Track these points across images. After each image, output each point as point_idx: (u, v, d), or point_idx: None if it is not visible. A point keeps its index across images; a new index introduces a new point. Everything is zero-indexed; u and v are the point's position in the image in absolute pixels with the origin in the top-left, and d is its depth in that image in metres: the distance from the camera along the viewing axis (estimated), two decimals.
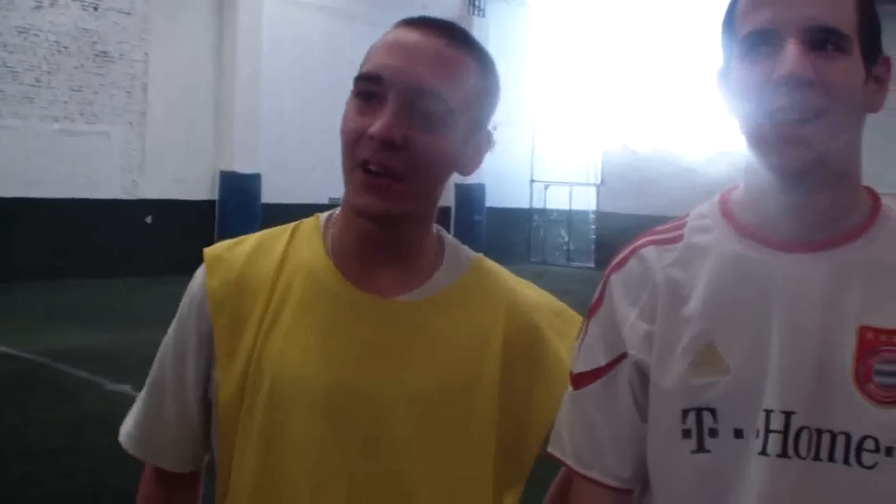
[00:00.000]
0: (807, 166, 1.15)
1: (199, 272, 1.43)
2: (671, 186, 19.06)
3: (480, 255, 1.49)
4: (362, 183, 1.28)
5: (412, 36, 1.32)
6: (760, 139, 1.17)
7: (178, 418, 1.44)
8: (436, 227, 1.44)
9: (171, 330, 1.47)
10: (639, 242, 1.32)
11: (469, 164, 1.39)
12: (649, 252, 1.29)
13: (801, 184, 1.18)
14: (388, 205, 1.29)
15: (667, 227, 1.33)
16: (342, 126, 1.32)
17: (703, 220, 1.29)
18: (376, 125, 1.26)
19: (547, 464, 1.42)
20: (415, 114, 1.28)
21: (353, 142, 1.29)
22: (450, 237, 1.47)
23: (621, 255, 1.32)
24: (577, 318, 1.46)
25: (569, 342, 1.42)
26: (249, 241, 1.45)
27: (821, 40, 1.13)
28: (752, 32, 1.17)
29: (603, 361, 1.29)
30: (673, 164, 19.75)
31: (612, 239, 19.83)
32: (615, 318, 1.28)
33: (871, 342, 1.16)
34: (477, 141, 1.39)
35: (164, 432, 1.46)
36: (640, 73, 21.78)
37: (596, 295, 1.33)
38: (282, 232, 1.45)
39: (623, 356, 1.27)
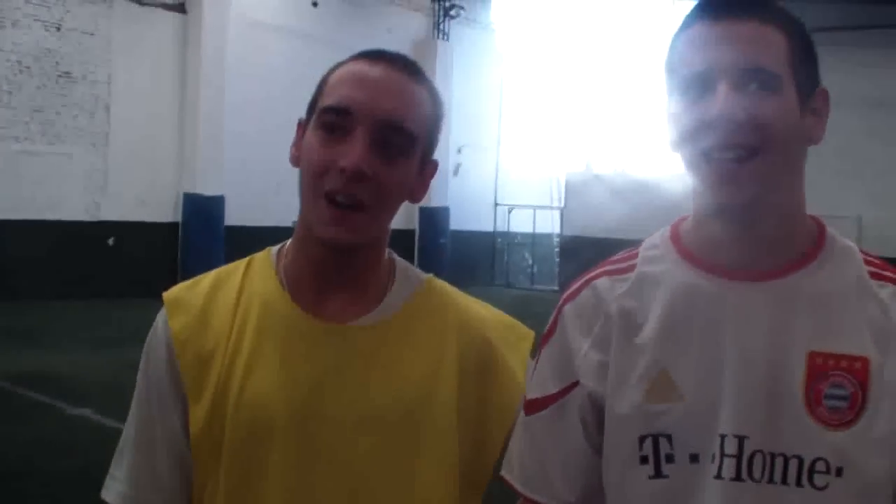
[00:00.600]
0: (745, 203, 1.19)
1: (160, 317, 1.45)
2: (633, 209, 19.21)
3: (430, 275, 1.52)
4: (330, 217, 1.32)
5: (375, 70, 1.36)
6: (700, 178, 1.22)
7: (175, 467, 1.42)
8: (387, 251, 1.48)
9: (140, 381, 1.45)
10: (593, 273, 1.35)
11: (419, 191, 1.43)
12: (602, 283, 1.32)
13: (742, 218, 1.22)
14: (353, 235, 1.33)
15: (619, 257, 1.36)
16: (305, 156, 1.35)
17: (655, 251, 1.33)
18: (348, 158, 1.29)
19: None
20: (381, 147, 1.32)
21: (319, 173, 1.32)
22: (400, 260, 1.50)
23: (575, 286, 1.36)
24: (529, 333, 1.51)
25: (520, 354, 1.48)
26: (206, 280, 1.47)
27: (751, 81, 1.18)
28: (686, 76, 1.22)
29: (554, 389, 1.32)
30: (636, 187, 19.92)
31: (575, 262, 19.94)
32: (568, 347, 1.31)
33: (820, 367, 1.20)
34: (426, 170, 1.44)
35: (162, 484, 1.43)
36: (603, 96, 21.99)
37: (549, 324, 1.36)
38: (236, 268, 1.48)
39: (574, 385, 1.30)
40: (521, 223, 23.02)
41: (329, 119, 1.33)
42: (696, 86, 1.20)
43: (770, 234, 1.23)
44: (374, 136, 1.31)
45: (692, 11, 1.25)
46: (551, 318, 1.36)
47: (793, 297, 1.22)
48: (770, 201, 1.21)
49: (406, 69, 1.38)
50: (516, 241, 23.41)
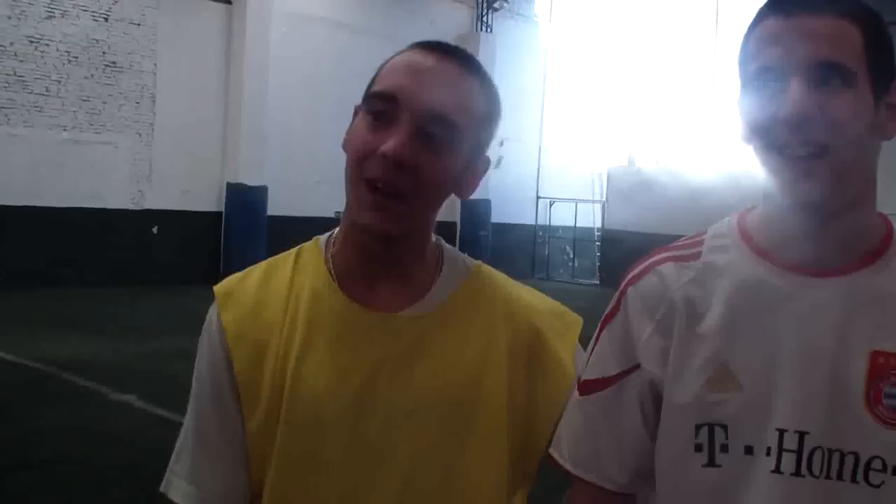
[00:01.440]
0: (818, 199, 1.19)
1: (213, 311, 1.44)
2: (676, 205, 19.05)
3: (479, 262, 1.52)
4: (369, 202, 1.31)
5: (428, 60, 1.35)
6: (773, 172, 1.21)
7: (235, 462, 1.41)
8: (435, 237, 1.47)
9: (196, 377, 1.45)
10: (657, 258, 1.34)
11: (467, 187, 1.42)
12: (667, 269, 1.32)
13: (815, 214, 1.21)
14: (390, 224, 1.32)
15: (683, 243, 1.35)
16: (350, 141, 1.35)
17: (721, 240, 1.32)
18: (389, 144, 1.28)
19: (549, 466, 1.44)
20: (426, 137, 1.31)
21: (361, 158, 1.32)
22: (449, 247, 1.49)
23: (639, 269, 1.35)
24: (578, 320, 1.50)
25: (569, 344, 1.47)
26: (256, 271, 1.47)
27: (825, 76, 1.16)
28: (759, 69, 1.20)
29: (614, 371, 1.32)
30: (678, 183, 19.74)
31: (616, 256, 19.83)
32: (630, 330, 1.31)
33: (881, 366, 1.19)
34: (476, 166, 1.42)
35: (224, 481, 1.43)
36: (646, 89, 21.81)
37: (611, 305, 1.36)
38: (286, 258, 1.47)
39: (635, 368, 1.31)
40: (562, 217, 22.94)
41: (376, 105, 1.33)
42: (769, 81, 1.19)
43: (841, 230, 1.22)
44: (419, 125, 1.30)
45: (765, 5, 1.23)
46: (613, 300, 1.35)
47: (857, 296, 1.21)
48: (843, 198, 1.20)
49: (460, 62, 1.37)
50: (557, 234, 23.33)
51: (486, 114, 1.40)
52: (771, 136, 1.19)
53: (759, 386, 1.22)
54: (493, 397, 1.39)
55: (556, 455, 1.37)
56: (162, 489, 1.46)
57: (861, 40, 1.18)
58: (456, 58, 1.37)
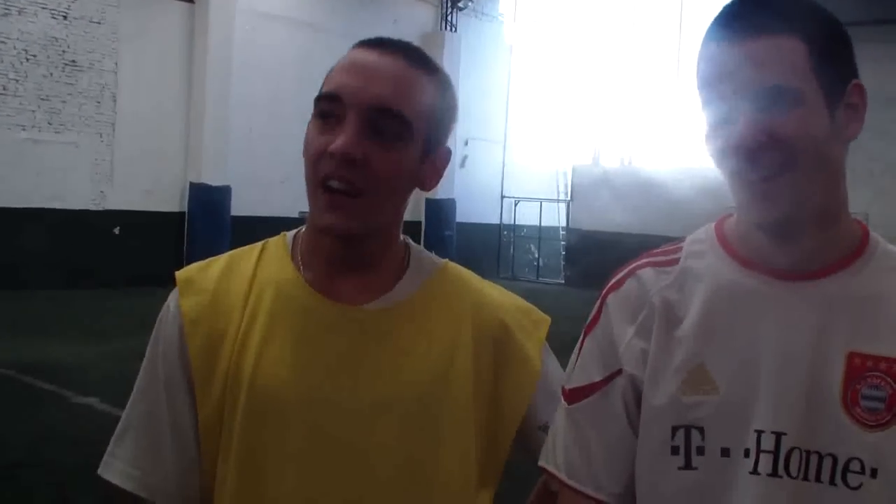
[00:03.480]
0: (778, 218, 1.20)
1: (172, 296, 1.44)
2: (640, 204, 19.19)
3: (446, 260, 1.52)
4: (326, 203, 1.32)
5: (370, 56, 1.36)
6: (733, 192, 1.23)
7: (179, 449, 1.41)
8: (403, 237, 1.48)
9: (148, 361, 1.44)
10: (637, 264, 1.36)
11: (428, 179, 1.42)
12: (647, 273, 1.33)
13: (780, 230, 1.23)
14: (349, 222, 1.33)
15: (664, 249, 1.37)
16: (304, 146, 1.36)
17: (699, 245, 1.34)
18: (336, 143, 1.30)
19: (514, 463, 1.43)
20: (373, 131, 1.32)
21: (314, 160, 1.33)
22: (416, 245, 1.50)
23: (619, 276, 1.36)
24: (544, 318, 1.51)
25: (536, 341, 1.48)
26: (219, 261, 1.47)
27: (771, 100, 1.16)
28: (707, 98, 1.22)
29: (598, 377, 1.33)
30: (642, 181, 19.89)
31: (581, 255, 19.95)
32: (612, 335, 1.32)
33: (858, 368, 1.20)
34: (434, 157, 1.42)
35: (166, 467, 1.41)
36: (612, 89, 21.95)
37: (593, 313, 1.37)
38: (250, 250, 1.48)
39: (618, 372, 1.31)
40: (527, 216, 23.02)
41: (323, 107, 1.34)
42: (717, 110, 1.20)
43: (810, 241, 1.23)
44: (366, 120, 1.31)
45: (709, 28, 1.24)
46: (595, 308, 1.37)
47: (834, 298, 1.23)
48: (807, 209, 1.21)
49: (401, 53, 1.38)
50: (522, 233, 23.42)
51: (439, 105, 1.40)
52: (728, 164, 1.20)
53: (735, 388, 1.23)
54: (459, 392, 1.39)
55: (549, 466, 1.36)
56: (99, 472, 1.44)
57: (805, 53, 1.17)
58: (399, 51, 1.38)
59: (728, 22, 1.21)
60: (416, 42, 1.44)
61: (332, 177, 1.31)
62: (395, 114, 1.33)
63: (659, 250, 1.37)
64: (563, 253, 22.43)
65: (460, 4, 21.72)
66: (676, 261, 1.33)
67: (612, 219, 19.49)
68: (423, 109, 1.37)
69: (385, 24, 18.59)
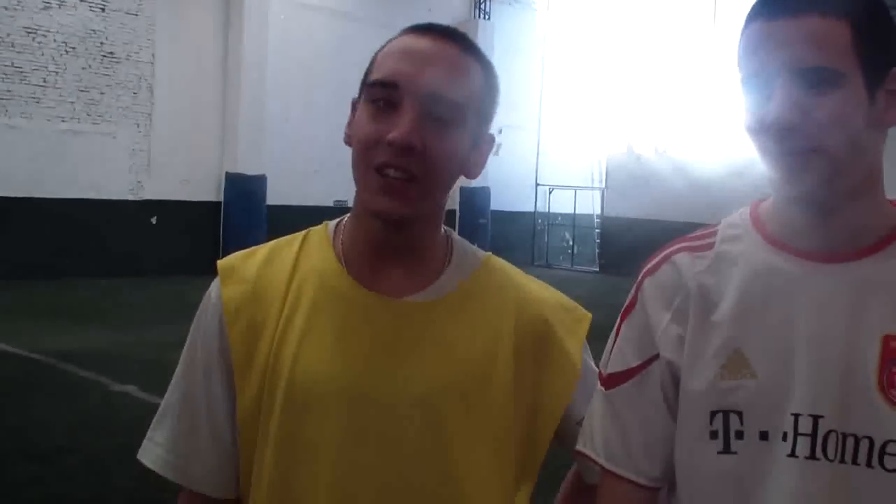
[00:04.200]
0: (811, 193, 1.21)
1: (214, 285, 1.45)
2: (675, 190, 19.05)
3: (489, 253, 1.51)
4: (380, 187, 1.31)
5: (423, 43, 1.35)
6: (769, 168, 1.23)
7: (214, 437, 1.42)
8: (444, 229, 1.47)
9: (189, 348, 1.46)
10: (672, 249, 1.36)
11: (475, 166, 1.42)
12: (682, 258, 1.34)
13: (813, 207, 1.24)
14: (404, 207, 1.32)
15: (698, 234, 1.37)
16: (355, 132, 1.35)
17: (734, 230, 1.34)
18: (396, 131, 1.29)
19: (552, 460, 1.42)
20: (430, 119, 1.31)
21: (368, 147, 1.32)
22: (458, 238, 1.49)
23: (654, 261, 1.37)
24: (587, 316, 1.50)
25: (577, 339, 1.46)
26: (261, 251, 1.47)
27: (811, 80, 1.17)
28: (747, 75, 1.22)
29: (635, 362, 1.34)
30: (677, 169, 19.74)
31: (616, 243, 19.84)
32: (648, 321, 1.33)
33: (894, 350, 1.20)
34: (480, 144, 1.42)
35: (202, 454, 1.43)
36: (646, 76, 21.78)
37: (629, 298, 1.38)
38: (292, 240, 1.47)
39: (655, 357, 1.32)
40: (561, 204, 22.93)
41: (377, 94, 1.33)
42: (756, 87, 1.20)
43: (844, 219, 1.24)
44: (422, 108, 1.31)
45: (752, 8, 1.23)
46: (631, 293, 1.37)
47: (869, 281, 1.23)
48: (840, 190, 1.21)
49: (454, 40, 1.37)
50: (556, 221, 23.33)
51: (486, 91, 1.40)
52: (761, 141, 1.21)
53: (773, 372, 1.23)
54: (501, 389, 1.38)
55: (587, 451, 1.37)
56: (138, 455, 1.46)
57: (849, 35, 1.17)
58: (451, 38, 1.37)
59: (770, 1, 1.21)
60: None
61: (390, 165, 1.30)
62: (450, 101, 1.33)
63: (694, 235, 1.37)
64: (598, 241, 22.32)
65: None
66: (711, 245, 1.33)
67: (646, 206, 19.36)
68: (474, 96, 1.37)
69: (419, 12, 18.57)
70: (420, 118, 1.30)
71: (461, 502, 1.36)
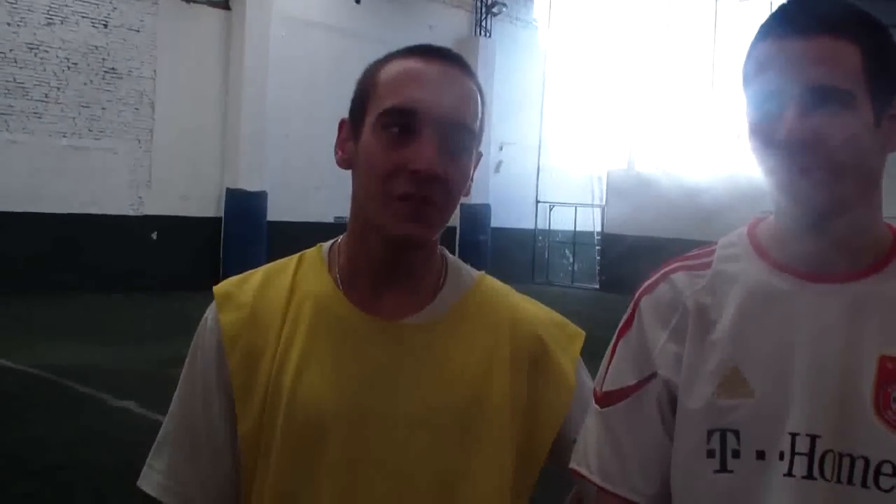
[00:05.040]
0: (811, 211, 1.21)
1: (210, 311, 1.45)
2: (675, 208, 19.07)
3: (482, 273, 1.52)
4: (405, 214, 1.31)
5: (433, 69, 1.35)
6: (771, 186, 1.23)
7: (214, 464, 1.42)
8: (439, 248, 1.47)
9: (186, 376, 1.45)
10: (669, 268, 1.36)
11: (469, 186, 1.43)
12: (679, 277, 1.34)
13: (814, 225, 1.24)
14: (429, 232, 1.34)
15: (696, 253, 1.37)
16: (368, 160, 1.33)
17: (732, 249, 1.34)
18: (421, 162, 1.29)
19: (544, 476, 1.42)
20: (448, 145, 1.32)
21: (387, 177, 1.31)
22: (452, 257, 1.50)
23: (652, 280, 1.37)
24: (579, 332, 1.51)
25: (571, 355, 1.47)
26: (257, 275, 1.47)
27: (821, 100, 1.17)
28: (755, 94, 1.23)
29: (632, 381, 1.33)
30: (677, 186, 19.76)
31: (616, 260, 19.85)
32: (645, 339, 1.33)
33: (890, 371, 1.20)
34: (476, 164, 1.43)
35: (203, 480, 1.42)
36: (646, 94, 21.84)
37: (625, 317, 1.38)
38: (287, 264, 1.47)
39: (652, 376, 1.32)
40: (562, 221, 22.97)
41: (392, 120, 1.32)
42: (766, 105, 1.21)
43: (844, 241, 1.24)
44: (442, 136, 1.31)
45: (763, 26, 1.24)
46: (628, 311, 1.37)
47: (866, 301, 1.23)
48: (842, 211, 1.21)
49: (459, 65, 1.38)
50: (557, 238, 23.35)
51: (483, 109, 1.41)
52: (769, 158, 1.21)
53: (770, 391, 1.23)
54: (497, 408, 1.38)
55: (581, 469, 1.36)
56: (138, 483, 1.45)
57: (860, 59, 1.18)
58: (457, 63, 1.38)
59: (785, 20, 1.22)
60: (450, 47, 1.44)
61: (414, 195, 1.30)
62: (467, 128, 1.34)
63: (692, 254, 1.37)
64: (598, 258, 22.33)
65: (494, 10, 21.73)
66: (709, 264, 1.33)
67: (646, 224, 19.37)
68: (480, 121, 1.39)
69: (421, 29, 18.65)
70: (439, 145, 1.30)
71: None
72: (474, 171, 1.43)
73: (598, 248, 22.67)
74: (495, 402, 1.38)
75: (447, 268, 1.47)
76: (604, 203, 22.29)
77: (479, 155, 1.44)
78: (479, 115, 1.38)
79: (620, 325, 1.37)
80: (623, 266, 17.88)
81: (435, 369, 1.37)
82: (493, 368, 1.40)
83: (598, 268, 22.21)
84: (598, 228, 22.65)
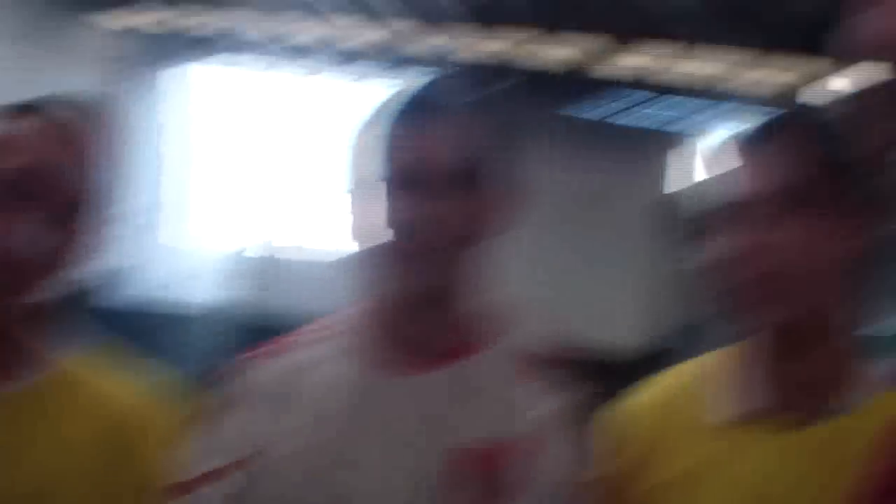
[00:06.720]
0: (420, 289, 1.24)
1: None
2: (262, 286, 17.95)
3: (78, 347, 1.41)
4: None
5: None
6: (380, 267, 1.26)
7: None
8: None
9: None
10: (254, 353, 1.34)
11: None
12: (260, 363, 1.31)
13: (412, 308, 1.26)
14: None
15: (277, 339, 1.36)
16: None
17: (322, 333, 1.34)
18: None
19: None
20: None
21: None
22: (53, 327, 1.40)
23: (238, 364, 1.33)
24: (172, 413, 1.43)
25: (161, 437, 1.38)
26: None
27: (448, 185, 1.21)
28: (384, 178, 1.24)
29: (220, 464, 1.27)
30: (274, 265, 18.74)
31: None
32: (233, 422, 1.29)
33: (458, 462, 1.22)
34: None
35: None
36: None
37: (214, 400, 1.34)
38: None
39: (241, 461, 1.27)
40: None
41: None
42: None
43: (428, 328, 1.27)
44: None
45: (387, 119, 1.24)
46: (217, 395, 1.33)
47: (438, 390, 1.26)
48: (434, 292, 1.24)
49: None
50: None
51: None
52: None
53: (347, 479, 1.23)
54: (73, 494, 1.31)
55: None
56: None
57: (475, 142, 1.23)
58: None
59: (407, 110, 1.23)
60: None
61: None
62: None
63: (277, 339, 1.35)
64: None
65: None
66: (290, 349, 1.32)
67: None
68: None
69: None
70: None
71: None
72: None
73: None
74: (72, 491, 1.31)
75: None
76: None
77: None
78: None
79: (206, 408, 1.33)
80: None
81: (8, 451, 1.29)
82: (70, 452, 1.32)
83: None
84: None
